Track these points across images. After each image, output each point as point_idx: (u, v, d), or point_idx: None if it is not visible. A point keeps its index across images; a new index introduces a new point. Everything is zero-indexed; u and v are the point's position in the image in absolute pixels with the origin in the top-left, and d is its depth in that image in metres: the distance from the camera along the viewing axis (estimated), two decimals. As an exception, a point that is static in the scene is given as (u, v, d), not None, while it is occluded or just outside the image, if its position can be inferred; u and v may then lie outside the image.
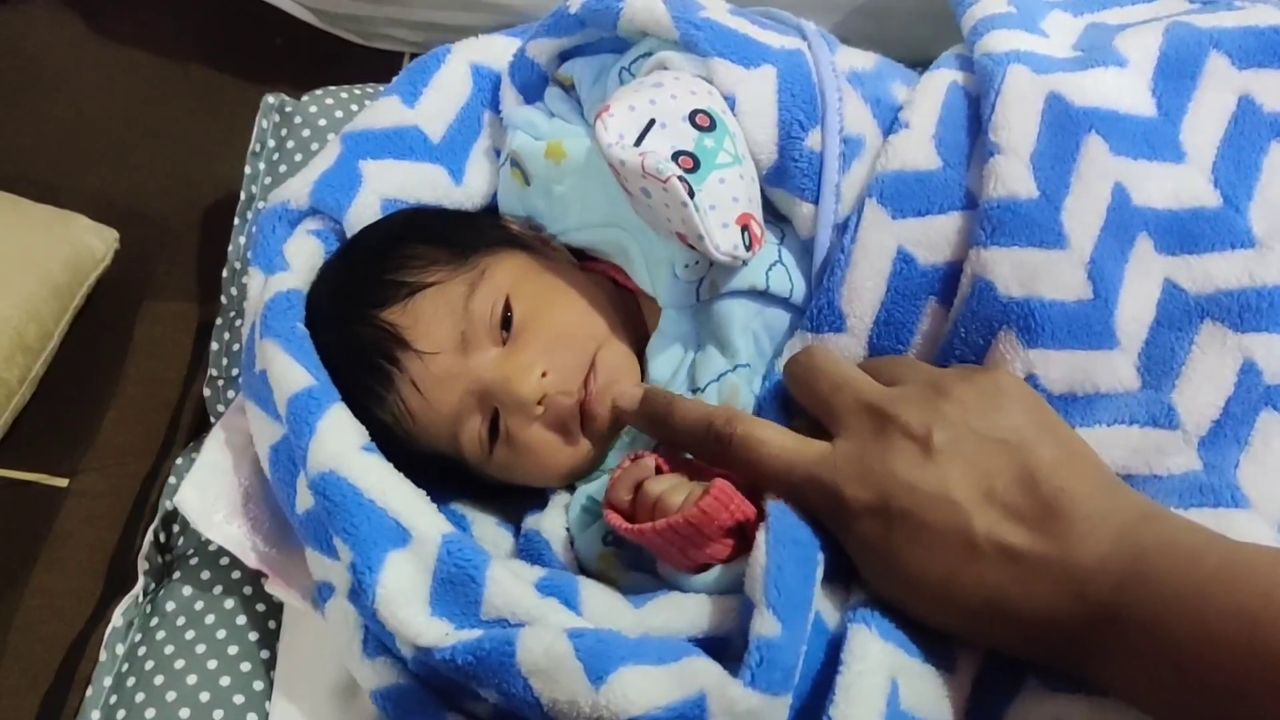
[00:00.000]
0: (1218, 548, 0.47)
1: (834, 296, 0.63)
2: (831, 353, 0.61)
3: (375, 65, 1.12)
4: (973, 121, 0.65)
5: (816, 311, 0.63)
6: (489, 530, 0.71)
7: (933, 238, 0.63)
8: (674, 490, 0.60)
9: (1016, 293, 0.59)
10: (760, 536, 0.56)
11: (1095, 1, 0.76)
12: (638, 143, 0.61)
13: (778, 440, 0.56)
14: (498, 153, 0.79)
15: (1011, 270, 0.59)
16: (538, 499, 0.71)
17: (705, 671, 0.55)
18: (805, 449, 0.55)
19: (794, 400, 0.60)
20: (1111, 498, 0.50)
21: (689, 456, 0.64)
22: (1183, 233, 0.61)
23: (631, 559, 0.66)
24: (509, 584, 0.60)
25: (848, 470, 0.53)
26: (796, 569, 0.54)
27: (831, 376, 0.57)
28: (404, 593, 0.60)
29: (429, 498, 0.64)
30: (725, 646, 0.58)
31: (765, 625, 0.53)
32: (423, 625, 0.59)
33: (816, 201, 0.65)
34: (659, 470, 0.62)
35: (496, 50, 0.81)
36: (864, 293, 0.63)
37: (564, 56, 0.77)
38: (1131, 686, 0.48)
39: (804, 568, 0.55)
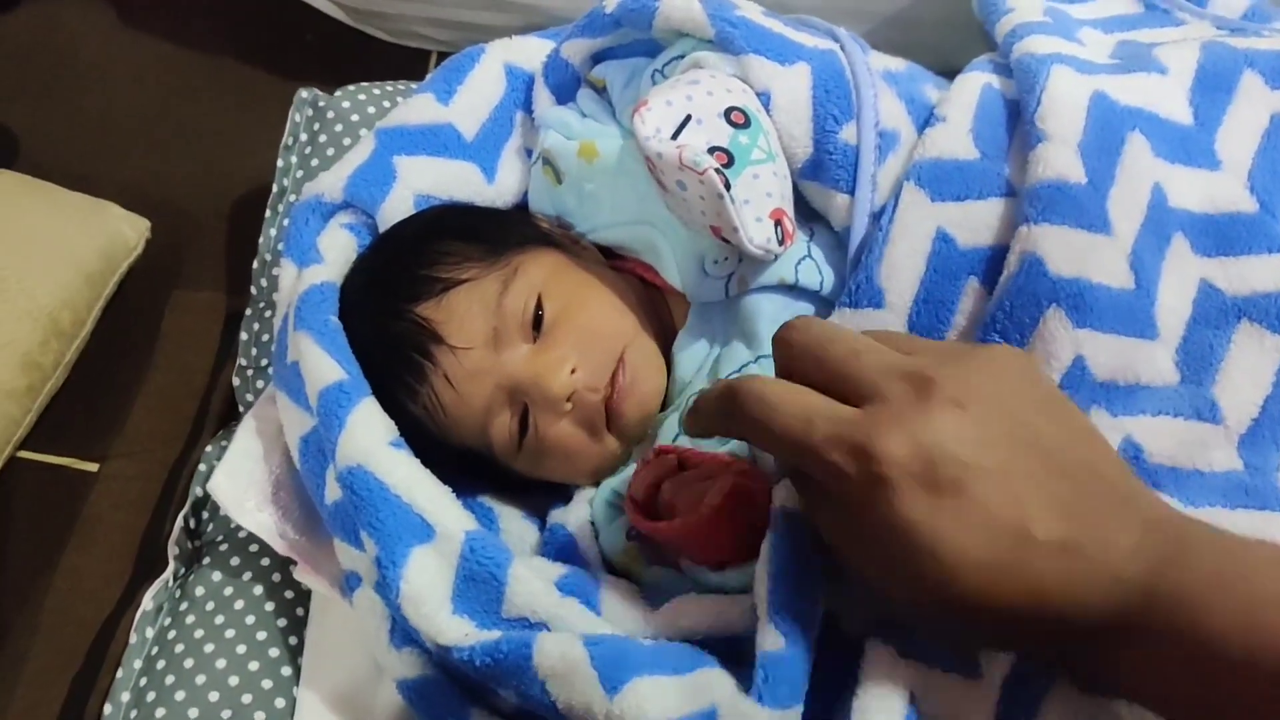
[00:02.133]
0: (1260, 542, 0.44)
1: (872, 273, 0.63)
2: (828, 321, 0.56)
3: (403, 63, 1.13)
4: (1011, 119, 0.66)
5: (855, 288, 0.63)
6: (515, 523, 0.72)
7: (973, 221, 0.62)
8: (693, 488, 0.61)
9: (1066, 271, 0.59)
10: (764, 545, 0.56)
11: (1125, 22, 0.78)
12: (674, 137, 0.62)
13: (796, 395, 0.48)
14: (529, 152, 0.80)
15: (1061, 249, 0.59)
16: (563, 493, 0.72)
17: (718, 684, 0.55)
18: (830, 407, 0.47)
19: (787, 371, 0.52)
20: (1134, 483, 0.47)
21: (710, 453, 0.65)
22: (1219, 235, 0.62)
23: (654, 554, 0.66)
24: (530, 583, 0.61)
25: (887, 433, 0.44)
26: (798, 580, 0.55)
27: (846, 342, 0.49)
28: (426, 589, 0.61)
29: (455, 494, 0.65)
30: (745, 645, 0.57)
31: (769, 639, 0.54)
32: (444, 623, 0.60)
33: (852, 192, 0.66)
34: (681, 467, 0.63)
35: (530, 51, 0.82)
36: (903, 270, 0.62)
37: (596, 59, 0.78)
38: (1156, 684, 0.44)
39: (807, 577, 0.55)
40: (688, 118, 0.63)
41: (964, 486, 0.44)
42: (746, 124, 0.64)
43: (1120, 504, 0.45)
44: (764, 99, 0.66)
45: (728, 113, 0.64)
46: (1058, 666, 0.50)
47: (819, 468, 0.46)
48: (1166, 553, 0.43)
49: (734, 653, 0.58)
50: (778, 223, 0.63)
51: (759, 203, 0.62)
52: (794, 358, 0.50)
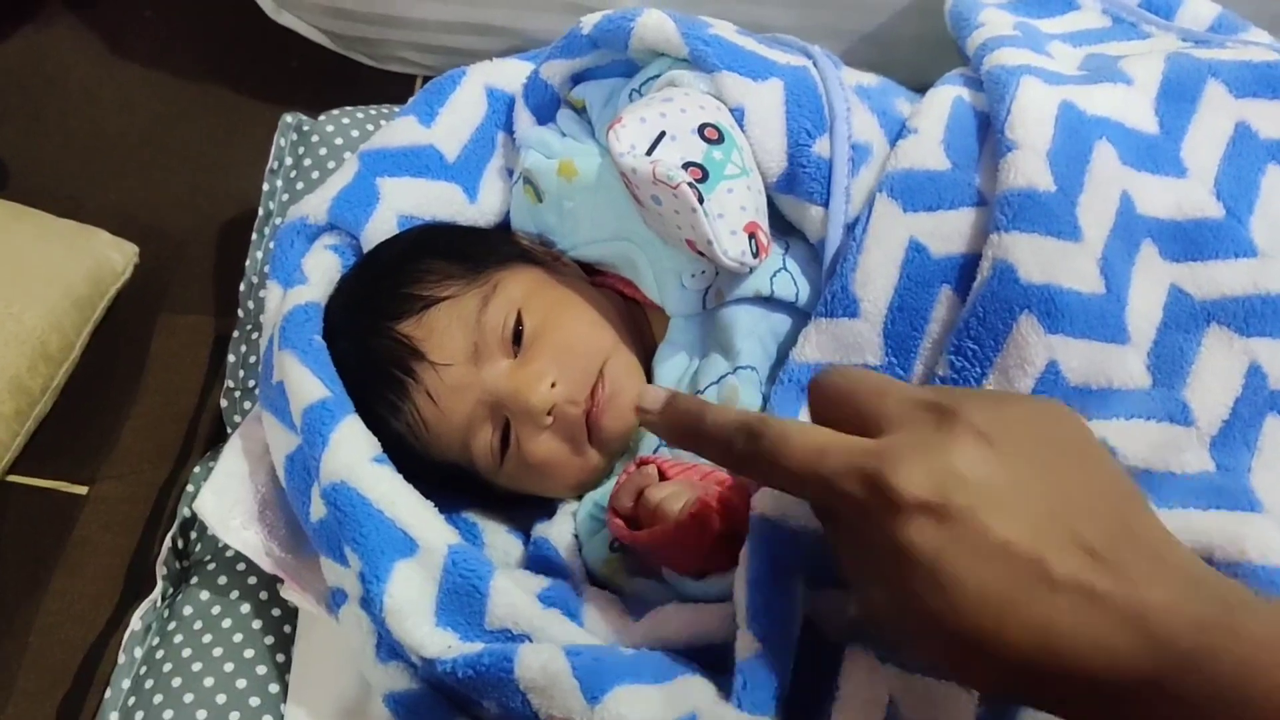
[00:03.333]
0: None
1: (847, 281, 0.64)
2: (860, 369, 0.57)
3: (388, 87, 1.14)
4: (981, 130, 0.67)
5: (830, 297, 0.64)
6: (499, 538, 0.72)
7: (945, 231, 0.63)
8: (674, 497, 0.61)
9: (1037, 278, 0.60)
10: (742, 552, 0.56)
11: (1092, 35, 0.79)
12: (649, 153, 0.63)
13: (811, 431, 0.47)
14: (510, 172, 0.81)
15: (1032, 255, 0.60)
16: (547, 507, 0.72)
17: (698, 691, 0.56)
18: (843, 439, 0.46)
19: (819, 414, 0.51)
20: (1177, 546, 0.44)
21: (691, 463, 0.65)
22: (1187, 241, 0.63)
23: (637, 565, 0.67)
24: (512, 595, 0.61)
25: (901, 461, 0.43)
26: (776, 587, 0.55)
27: (873, 383, 0.48)
28: (410, 602, 0.61)
29: (439, 508, 0.66)
30: (728, 654, 0.58)
31: (746, 646, 0.54)
32: (426, 636, 0.60)
33: (826, 204, 0.66)
34: (661, 477, 0.64)
35: (510, 73, 0.83)
36: (877, 277, 0.63)
37: (576, 80, 0.79)
38: None
39: (783, 584, 0.55)
40: (662, 134, 0.64)
41: (977, 515, 0.42)
42: (720, 139, 0.65)
43: (1156, 558, 0.42)
44: (738, 115, 0.67)
45: (701, 129, 0.65)
46: None
47: (834, 498, 0.45)
48: (1213, 614, 0.40)
49: (716, 661, 0.59)
50: (752, 236, 0.64)
51: (733, 216, 0.63)
52: (822, 398, 0.50)
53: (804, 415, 0.63)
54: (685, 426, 0.52)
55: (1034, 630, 0.41)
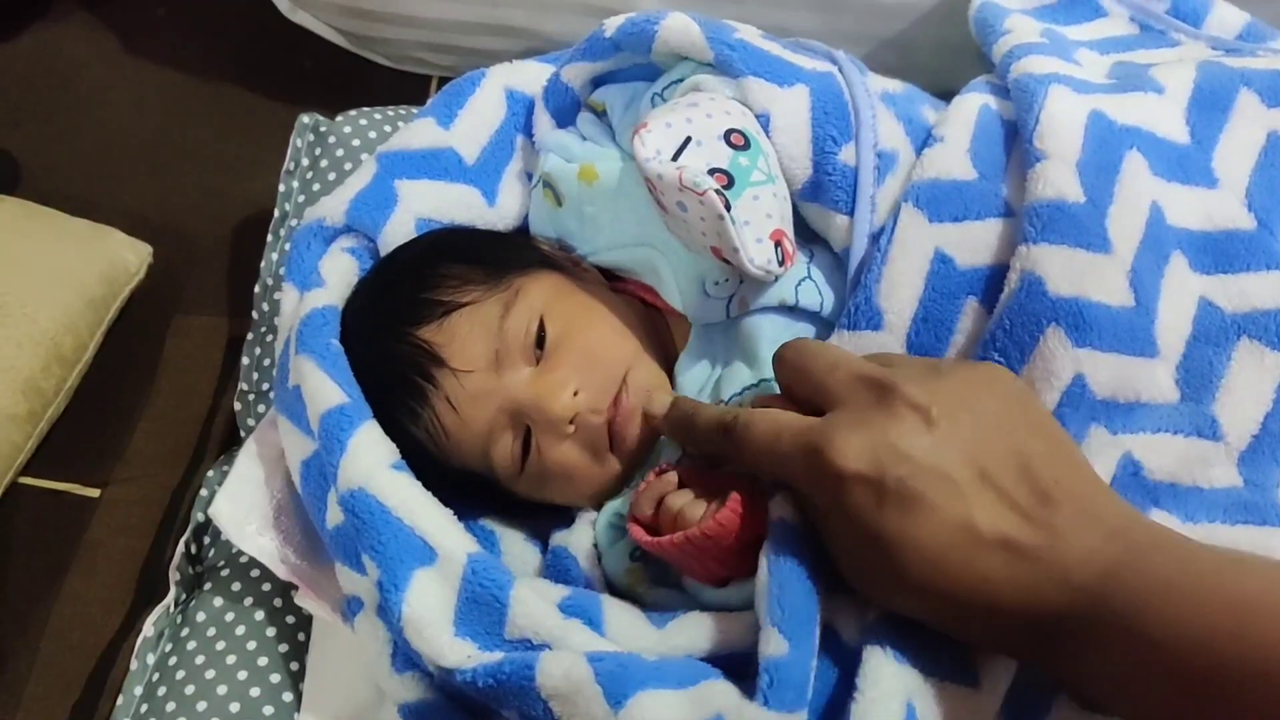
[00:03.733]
0: (1214, 550, 0.46)
1: (871, 293, 0.63)
2: (819, 341, 0.60)
3: (403, 88, 1.14)
4: (1008, 139, 0.66)
5: (854, 309, 0.63)
6: (517, 546, 0.72)
7: (971, 242, 0.63)
8: (694, 504, 0.61)
9: (1066, 291, 0.59)
10: (763, 555, 0.56)
11: (1121, 43, 0.78)
12: (674, 158, 0.62)
13: (769, 416, 0.54)
14: (529, 175, 0.81)
15: (1061, 268, 0.59)
16: (565, 516, 0.72)
17: (722, 694, 0.55)
18: (794, 419, 0.53)
19: (786, 388, 0.58)
20: (1105, 497, 0.50)
21: (711, 470, 0.65)
22: (1218, 253, 0.62)
23: (657, 574, 0.67)
24: (533, 604, 0.61)
25: (840, 436, 0.50)
26: (799, 585, 0.55)
27: (827, 356, 0.55)
28: (429, 611, 0.61)
29: (457, 516, 0.65)
30: (748, 663, 0.58)
31: (772, 645, 0.54)
32: (446, 645, 0.60)
33: (851, 213, 0.66)
34: (682, 484, 0.63)
35: (530, 75, 0.82)
36: (901, 289, 0.63)
37: (596, 83, 0.79)
38: (1108, 683, 0.46)
39: (807, 583, 0.55)
40: (687, 139, 0.63)
41: (907, 483, 0.48)
42: (746, 146, 0.64)
43: (1083, 513, 0.48)
44: (763, 121, 0.67)
45: (727, 134, 0.64)
46: (1017, 656, 0.52)
47: (791, 476, 0.52)
48: (1122, 559, 0.46)
49: (738, 670, 0.58)
50: (778, 244, 0.63)
51: (759, 224, 0.63)
52: (785, 374, 0.56)
53: None
54: (682, 426, 0.59)
55: (966, 582, 0.47)
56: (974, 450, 0.49)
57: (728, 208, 0.61)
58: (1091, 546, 0.46)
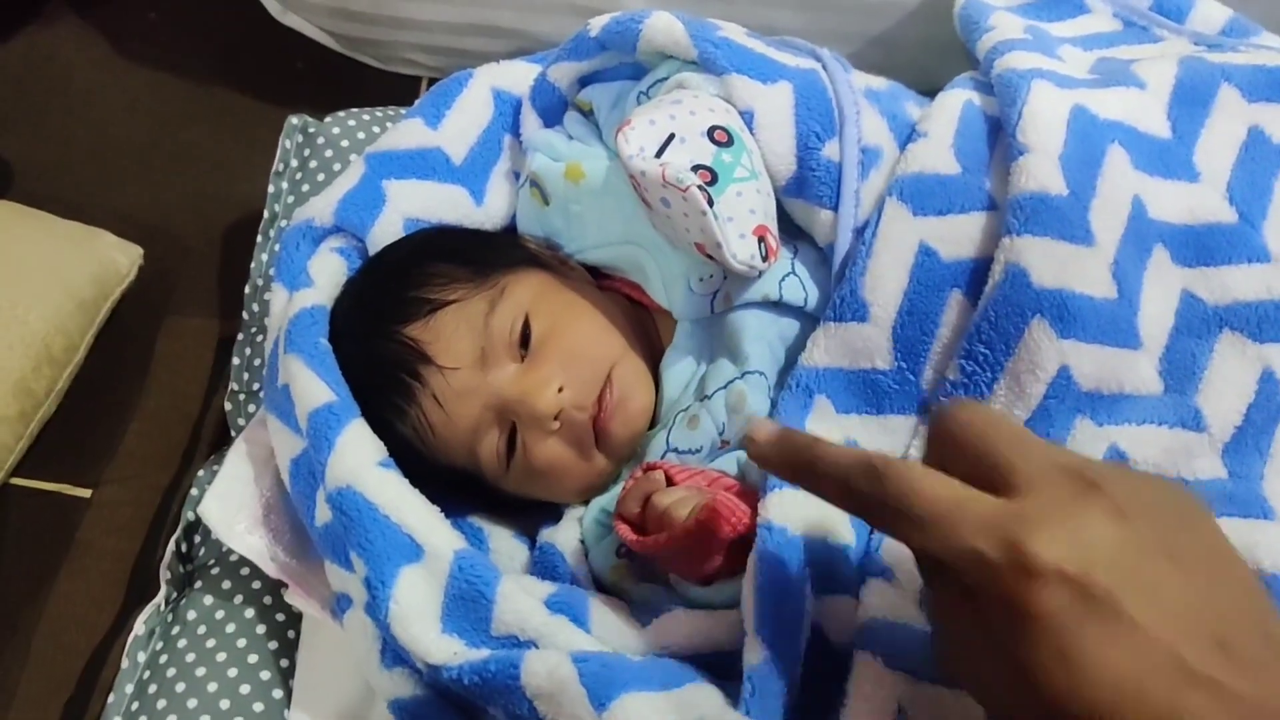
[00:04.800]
0: None
1: (856, 285, 0.63)
2: (992, 408, 0.55)
3: (394, 89, 1.14)
4: (991, 134, 0.66)
5: (839, 301, 0.64)
6: (505, 543, 0.72)
7: (955, 234, 0.63)
8: (681, 503, 0.61)
9: (1049, 282, 0.59)
10: (750, 559, 0.56)
11: (1103, 39, 0.79)
12: (658, 155, 0.62)
13: (941, 481, 0.45)
14: (517, 175, 0.81)
15: (1044, 259, 0.60)
16: (553, 513, 0.72)
17: (706, 699, 0.55)
18: (978, 496, 0.44)
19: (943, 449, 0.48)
20: None
21: (698, 469, 0.65)
22: (1199, 246, 0.62)
23: (643, 571, 0.67)
24: (519, 601, 0.61)
25: (1041, 527, 0.41)
26: (783, 593, 0.55)
27: (1011, 433, 0.46)
28: (416, 608, 0.61)
29: (445, 514, 0.66)
30: (734, 661, 0.58)
31: (755, 653, 0.54)
32: (432, 643, 0.60)
33: (836, 208, 0.66)
34: (669, 483, 0.63)
35: (517, 75, 0.82)
36: (886, 282, 0.63)
37: (583, 82, 0.79)
38: None
39: (791, 591, 0.55)
40: (671, 136, 0.64)
41: (1116, 594, 0.40)
42: (729, 142, 0.64)
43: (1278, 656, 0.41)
44: (747, 117, 0.67)
45: (710, 131, 0.64)
46: None
47: (960, 555, 0.43)
48: None
49: (723, 668, 0.59)
50: (761, 239, 0.63)
51: (742, 219, 0.63)
52: (951, 435, 0.47)
53: (832, 425, 0.64)
54: (799, 461, 0.50)
55: (1160, 717, 0.40)
56: (1180, 573, 0.42)
57: (710, 203, 0.61)
58: None
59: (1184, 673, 0.40)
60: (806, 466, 0.49)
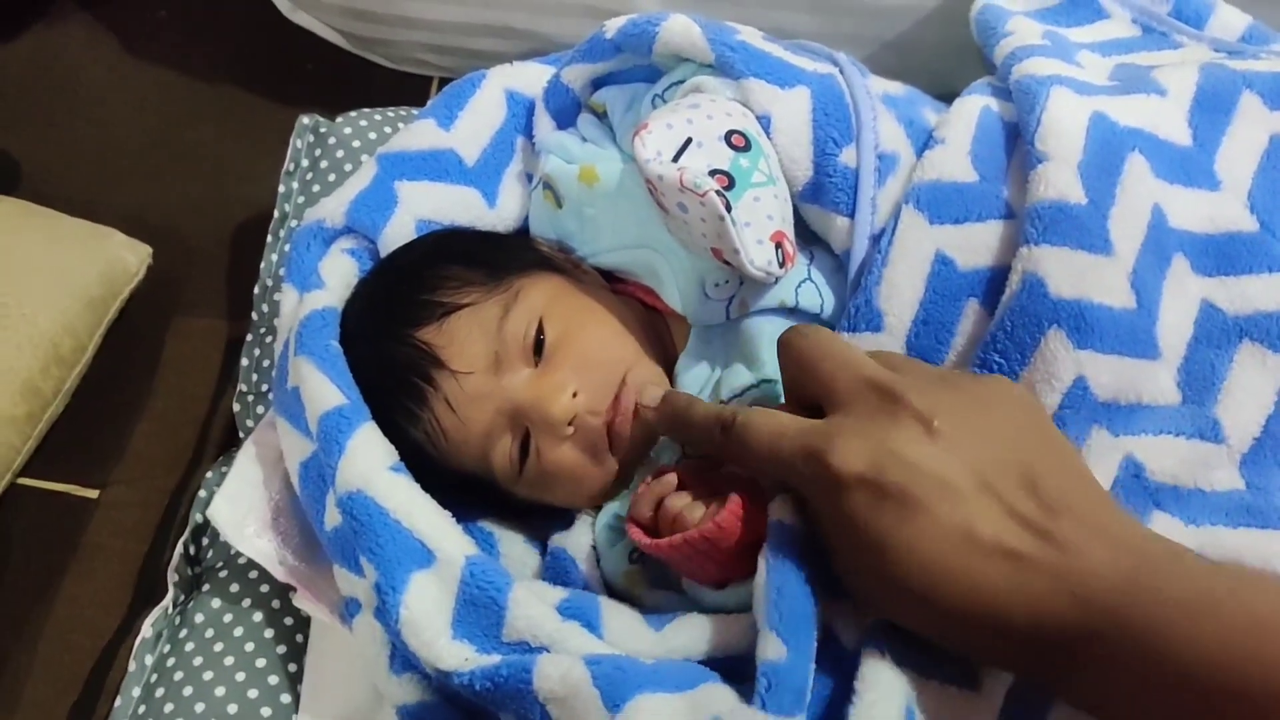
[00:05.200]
0: (1230, 568, 0.47)
1: (871, 295, 0.63)
2: (832, 333, 0.58)
3: (404, 89, 1.14)
4: (1009, 141, 0.66)
5: (854, 310, 0.63)
6: (516, 548, 0.72)
7: (973, 243, 0.63)
8: (693, 506, 0.61)
9: (1067, 293, 0.59)
10: (761, 557, 0.56)
11: (1123, 45, 0.79)
12: (675, 159, 0.62)
13: (771, 417, 0.54)
14: (530, 177, 0.81)
15: (1062, 269, 0.59)
16: (564, 518, 0.72)
17: (720, 698, 0.55)
18: (796, 422, 0.53)
19: (788, 377, 0.57)
20: (1111, 511, 0.49)
21: (712, 472, 0.65)
22: (1219, 255, 0.62)
23: (656, 576, 0.67)
24: (531, 607, 0.61)
25: (842, 440, 0.50)
26: (798, 589, 0.55)
27: (837, 355, 0.54)
28: (426, 614, 0.61)
29: (456, 518, 0.65)
30: (747, 665, 0.58)
31: (770, 649, 0.54)
32: (443, 648, 0.60)
33: (852, 215, 0.66)
34: (681, 486, 0.63)
35: (530, 76, 0.82)
36: (902, 291, 0.63)
37: (597, 84, 0.79)
38: (1119, 699, 0.45)
39: (805, 587, 0.55)
40: (688, 140, 0.63)
41: (909, 489, 0.48)
42: (747, 147, 0.64)
43: (1089, 526, 0.47)
44: (764, 122, 0.67)
45: (728, 136, 0.64)
46: (1023, 673, 0.52)
47: (791, 478, 0.52)
48: (1137, 578, 0.45)
49: (736, 672, 0.58)
50: (778, 245, 0.63)
51: (760, 225, 0.63)
52: (790, 362, 0.56)
53: None
54: (676, 421, 0.59)
55: (966, 590, 0.47)
56: (977, 461, 0.49)
57: (728, 209, 0.61)
58: (1101, 560, 0.46)
59: (978, 547, 0.47)
60: (683, 425, 0.58)
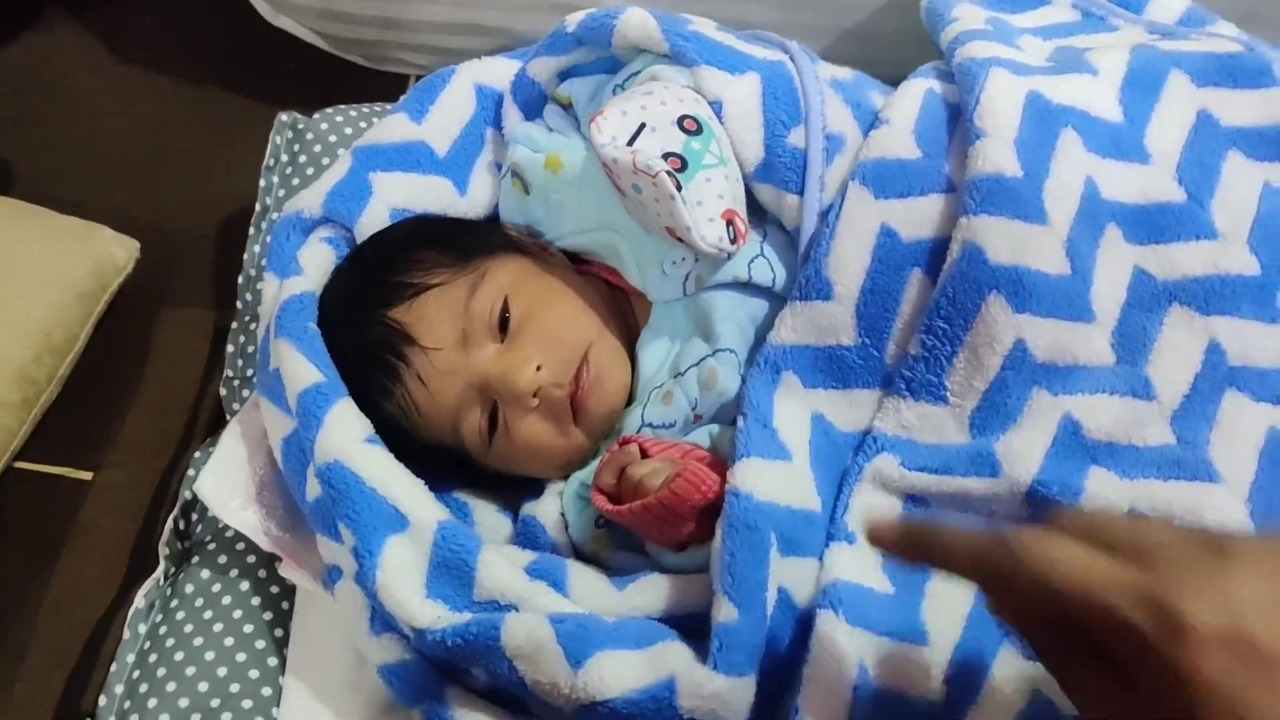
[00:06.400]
0: None
1: (820, 265, 0.65)
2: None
3: (382, 87, 1.16)
4: (951, 121, 0.69)
5: (805, 281, 0.66)
6: (489, 517, 0.74)
7: (915, 216, 0.65)
8: (654, 474, 0.63)
9: (1006, 260, 0.62)
10: (719, 523, 0.59)
11: (1062, 29, 0.81)
12: (629, 143, 0.65)
13: (1081, 553, 0.44)
14: (499, 166, 0.83)
15: (1000, 238, 0.62)
16: (535, 487, 0.74)
17: (677, 655, 0.58)
18: (1117, 565, 0.43)
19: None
20: None
21: (671, 442, 0.68)
22: (1150, 224, 0.65)
23: (621, 540, 0.69)
24: (499, 568, 0.64)
25: (1187, 589, 0.41)
26: (750, 554, 0.58)
27: (1122, 517, 0.48)
28: (401, 575, 0.63)
29: (431, 489, 0.68)
30: (705, 623, 0.60)
31: (723, 611, 0.57)
32: (417, 608, 0.63)
33: (801, 193, 0.68)
34: (643, 455, 0.66)
35: (498, 71, 0.85)
36: (849, 262, 0.65)
37: (562, 77, 0.81)
38: None
39: (757, 553, 0.58)
40: (642, 125, 0.66)
41: (1274, 647, 0.40)
42: (699, 131, 0.67)
43: None
44: (716, 107, 0.69)
45: (680, 120, 0.67)
46: None
47: (1108, 628, 0.42)
48: None
49: (695, 629, 0.61)
50: (729, 223, 0.65)
51: (711, 204, 0.65)
52: (1068, 527, 0.46)
53: (799, 400, 0.65)
54: (923, 551, 0.49)
55: None
56: None
57: (679, 189, 0.63)
58: None
59: None
60: (939, 553, 0.49)
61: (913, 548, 0.50)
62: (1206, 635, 0.40)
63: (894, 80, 0.78)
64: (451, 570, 0.64)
